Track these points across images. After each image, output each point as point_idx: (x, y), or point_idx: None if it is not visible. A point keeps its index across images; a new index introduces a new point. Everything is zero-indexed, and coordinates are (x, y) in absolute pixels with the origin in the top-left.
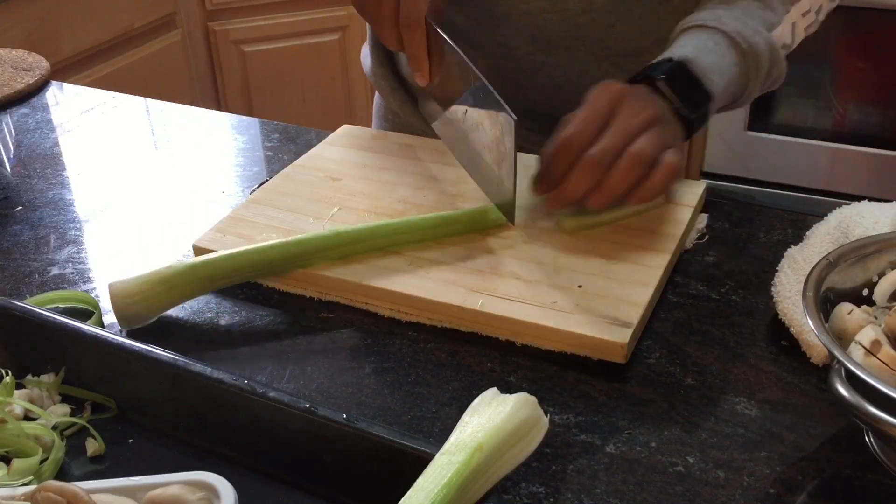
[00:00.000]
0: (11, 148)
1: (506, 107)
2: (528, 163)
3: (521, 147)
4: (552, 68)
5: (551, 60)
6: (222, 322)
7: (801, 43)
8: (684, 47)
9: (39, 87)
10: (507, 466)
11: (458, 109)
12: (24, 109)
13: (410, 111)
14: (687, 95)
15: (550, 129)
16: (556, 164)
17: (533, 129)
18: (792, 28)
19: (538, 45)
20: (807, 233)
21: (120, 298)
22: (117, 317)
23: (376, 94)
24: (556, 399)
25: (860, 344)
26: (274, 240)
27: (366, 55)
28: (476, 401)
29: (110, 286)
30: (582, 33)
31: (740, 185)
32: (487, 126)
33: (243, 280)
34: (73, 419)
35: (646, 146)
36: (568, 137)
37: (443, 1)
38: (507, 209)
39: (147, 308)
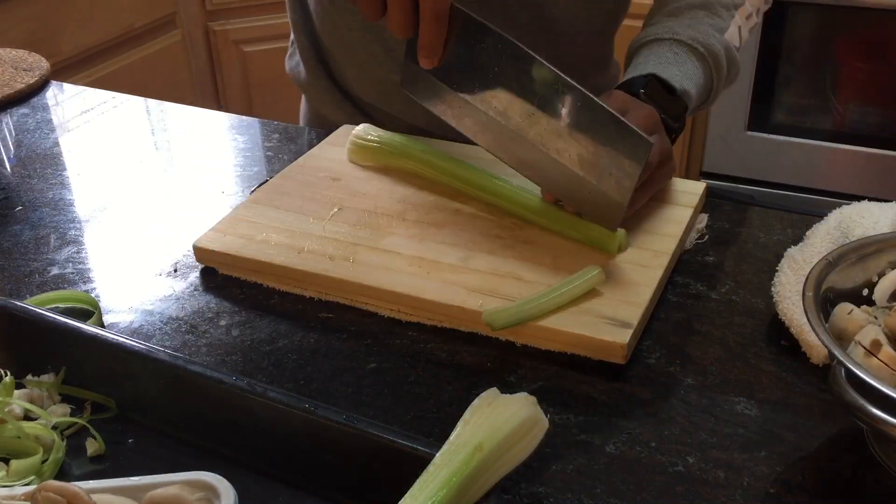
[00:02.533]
0: (11, 148)
1: (638, 131)
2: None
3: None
4: None
5: None
6: (222, 322)
7: (801, 43)
8: (647, 63)
9: (39, 87)
10: (507, 466)
11: (518, 107)
12: (24, 109)
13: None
14: (667, 105)
15: None
16: None
17: None
18: (738, 31)
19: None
20: (807, 233)
21: None
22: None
23: (303, 101)
24: (556, 399)
25: (860, 344)
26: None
27: (296, 64)
28: (476, 401)
29: None
30: (536, 38)
31: (740, 185)
32: (586, 138)
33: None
34: (73, 419)
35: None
36: None
37: None
38: (611, 222)
39: None
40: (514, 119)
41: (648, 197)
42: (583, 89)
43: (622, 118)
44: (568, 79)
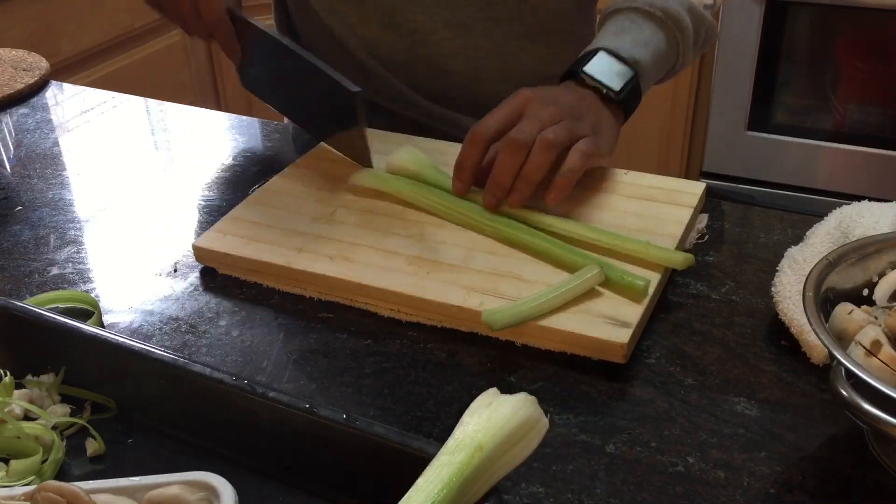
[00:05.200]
0: (11, 148)
1: (346, 80)
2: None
3: (447, 132)
4: (471, 51)
5: (469, 43)
6: (222, 322)
7: (801, 43)
8: (603, 36)
9: (39, 87)
10: (507, 466)
11: (291, 86)
12: (24, 109)
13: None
14: (612, 76)
15: (476, 111)
16: (471, 150)
17: (462, 111)
18: None
19: (454, 29)
20: (807, 233)
21: None
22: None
23: None
24: (556, 399)
25: (860, 344)
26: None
27: None
28: (476, 401)
29: None
30: (495, 12)
31: (740, 185)
32: (328, 100)
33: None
34: (73, 419)
35: (556, 133)
36: (481, 125)
37: None
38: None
39: None
40: (283, 88)
41: (572, 177)
42: (318, 64)
43: (340, 80)
44: (310, 55)
